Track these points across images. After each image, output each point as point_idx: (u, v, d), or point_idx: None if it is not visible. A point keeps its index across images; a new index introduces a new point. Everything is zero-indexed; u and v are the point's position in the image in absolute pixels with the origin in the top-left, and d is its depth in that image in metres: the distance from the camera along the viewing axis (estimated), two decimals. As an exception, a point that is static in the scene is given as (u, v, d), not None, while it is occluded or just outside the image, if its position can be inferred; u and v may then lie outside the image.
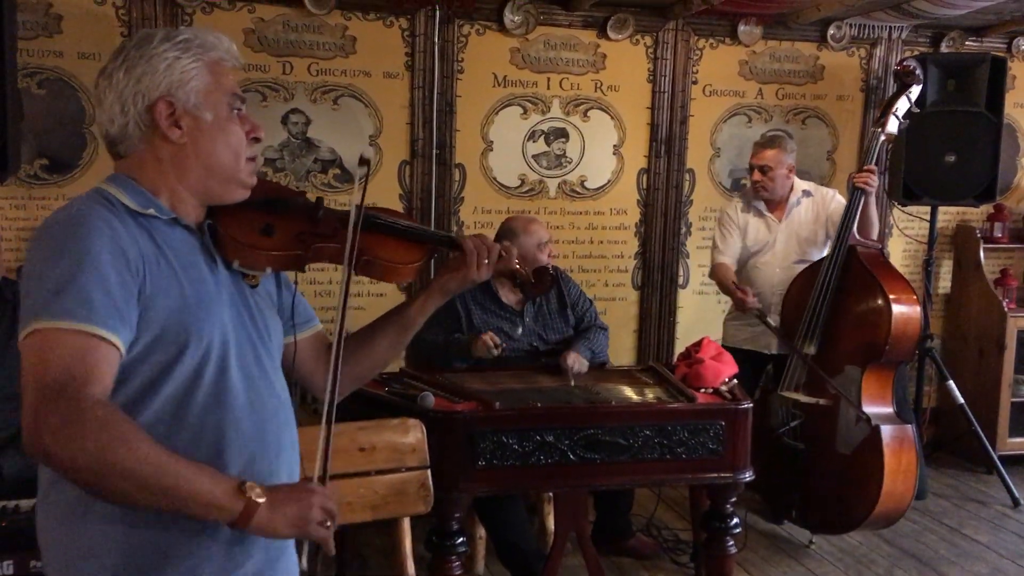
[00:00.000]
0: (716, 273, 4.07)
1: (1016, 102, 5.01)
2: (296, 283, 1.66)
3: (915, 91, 3.89)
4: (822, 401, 3.66)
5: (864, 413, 3.56)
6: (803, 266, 3.93)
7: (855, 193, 3.74)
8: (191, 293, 1.36)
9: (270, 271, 1.55)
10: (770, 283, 4.00)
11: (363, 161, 1.62)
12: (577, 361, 3.36)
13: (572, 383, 3.21)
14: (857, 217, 3.74)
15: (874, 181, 3.75)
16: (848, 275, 3.71)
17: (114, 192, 1.39)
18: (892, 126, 3.82)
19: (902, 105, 3.84)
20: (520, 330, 3.51)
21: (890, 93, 4.05)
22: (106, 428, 1.19)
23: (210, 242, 1.45)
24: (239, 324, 1.44)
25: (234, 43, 1.50)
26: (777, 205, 4.02)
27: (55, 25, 3.82)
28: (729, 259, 4.05)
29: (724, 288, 4.01)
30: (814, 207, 4.01)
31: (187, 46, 1.41)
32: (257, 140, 1.49)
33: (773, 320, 3.93)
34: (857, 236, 3.75)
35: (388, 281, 1.66)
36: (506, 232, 3.58)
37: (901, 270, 4.95)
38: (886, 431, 3.54)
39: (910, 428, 3.64)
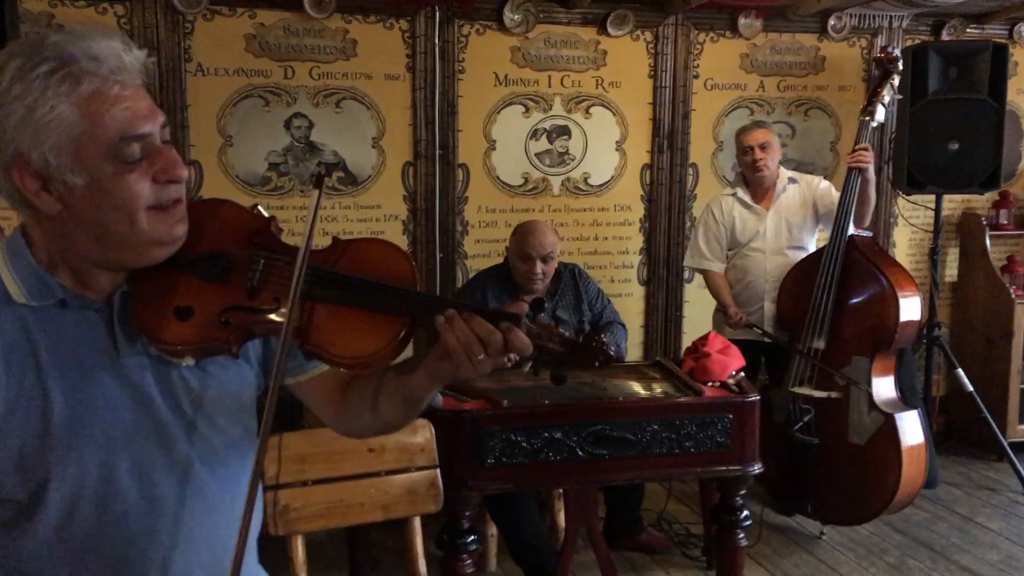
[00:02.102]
0: (710, 282, 4.13)
1: (1019, 88, 4.99)
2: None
3: (897, 78, 3.93)
4: (833, 394, 3.67)
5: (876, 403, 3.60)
6: (795, 252, 3.95)
7: (851, 175, 3.74)
8: (61, 414, 1.09)
9: (192, 362, 1.20)
10: (763, 269, 4.01)
11: (318, 179, 1.19)
12: None
13: (588, 381, 3.21)
14: (855, 202, 3.74)
15: (868, 158, 3.74)
16: (849, 266, 3.72)
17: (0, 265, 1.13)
18: (880, 114, 3.84)
19: (887, 92, 3.86)
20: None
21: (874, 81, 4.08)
22: None
23: (117, 320, 1.15)
24: (146, 430, 1.16)
25: (130, 46, 1.10)
26: (764, 193, 4.03)
27: (58, 36, 3.84)
28: (719, 266, 4.10)
29: (718, 299, 4.08)
30: (800, 192, 4.02)
31: (48, 81, 1.03)
32: (173, 181, 1.11)
33: (769, 309, 3.97)
34: (853, 225, 3.76)
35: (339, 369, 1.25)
36: (510, 237, 3.63)
37: (907, 259, 5.00)
38: (900, 418, 3.59)
39: (918, 413, 3.68)
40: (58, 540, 1.12)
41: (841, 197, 3.77)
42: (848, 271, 3.72)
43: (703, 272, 4.16)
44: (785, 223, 4.00)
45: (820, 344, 3.71)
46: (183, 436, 1.19)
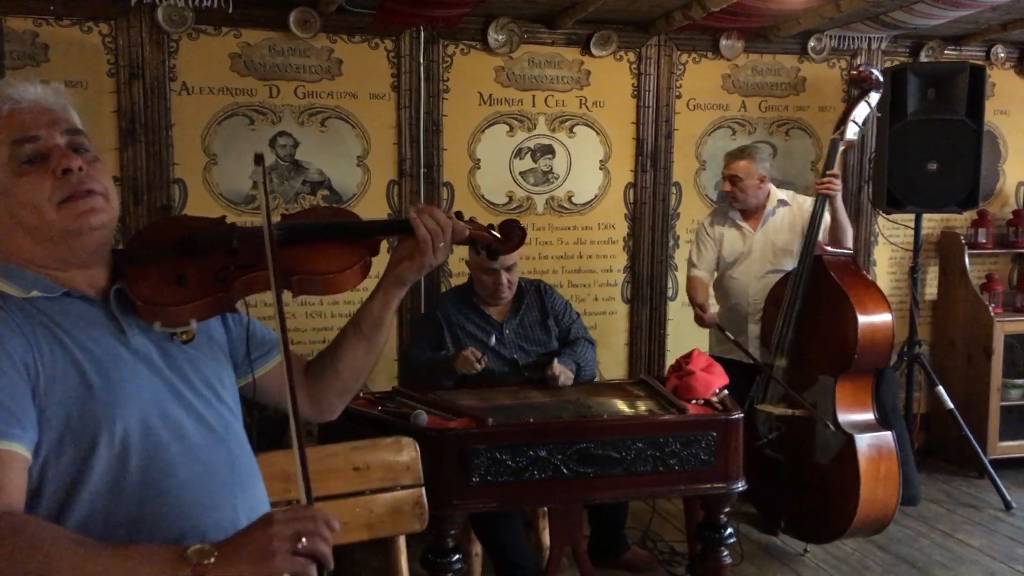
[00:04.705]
0: (689, 285, 4.16)
1: (996, 109, 5.06)
2: (247, 313, 1.53)
3: (874, 97, 3.85)
4: (797, 412, 3.67)
5: (835, 422, 3.57)
6: (774, 276, 3.94)
7: (819, 200, 3.77)
8: (96, 378, 1.25)
9: (195, 324, 1.38)
10: (746, 293, 4.04)
11: (258, 159, 1.40)
12: (563, 372, 3.36)
13: (573, 399, 3.21)
14: (822, 226, 3.77)
15: (837, 185, 3.74)
16: (816, 285, 3.71)
17: None
18: (851, 133, 3.78)
19: (861, 111, 3.80)
20: (493, 339, 3.51)
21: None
22: (11, 539, 1.12)
23: (116, 310, 1.33)
24: (168, 393, 1.33)
25: (35, 82, 1.34)
26: (753, 214, 4.05)
27: (42, 54, 3.84)
28: (704, 272, 4.12)
29: (692, 300, 4.09)
30: (790, 216, 4.02)
31: None
32: (67, 171, 1.28)
33: (753, 330, 4.00)
34: (824, 246, 3.76)
35: (332, 293, 1.45)
36: (469, 252, 3.60)
37: (887, 277, 5.05)
38: (861, 440, 3.53)
39: (889, 435, 3.59)
40: (112, 497, 1.25)
41: (810, 221, 3.78)
42: (814, 291, 3.70)
43: (689, 278, 4.17)
44: (771, 246, 4.01)
45: (782, 363, 3.73)
46: (195, 398, 1.37)
